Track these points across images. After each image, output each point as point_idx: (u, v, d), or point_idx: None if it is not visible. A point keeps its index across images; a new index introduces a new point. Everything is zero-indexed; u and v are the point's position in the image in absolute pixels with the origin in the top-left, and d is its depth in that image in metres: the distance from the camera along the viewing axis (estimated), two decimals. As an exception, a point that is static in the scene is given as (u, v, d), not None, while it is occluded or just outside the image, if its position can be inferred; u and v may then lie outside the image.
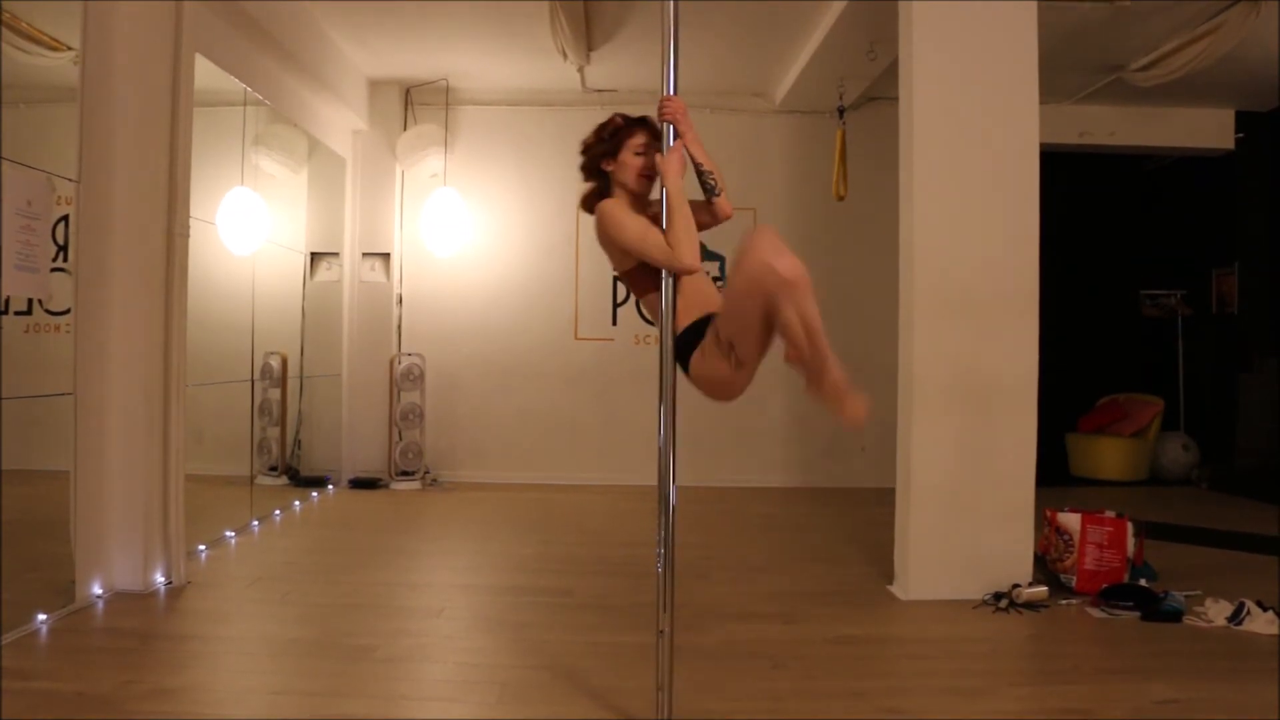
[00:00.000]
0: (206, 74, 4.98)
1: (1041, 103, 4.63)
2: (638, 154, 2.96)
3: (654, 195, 3.02)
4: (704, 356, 2.78)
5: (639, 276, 2.98)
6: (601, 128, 3.04)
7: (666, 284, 2.82)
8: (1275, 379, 7.85)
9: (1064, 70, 7.09)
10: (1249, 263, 8.65)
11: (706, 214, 3.08)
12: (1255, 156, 8.44)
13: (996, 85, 4.58)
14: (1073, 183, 8.74)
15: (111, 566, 4.31)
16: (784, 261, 2.58)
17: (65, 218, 4.07)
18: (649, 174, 2.97)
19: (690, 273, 2.84)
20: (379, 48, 7.25)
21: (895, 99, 4.87)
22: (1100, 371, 9.25)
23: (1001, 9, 4.59)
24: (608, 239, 2.96)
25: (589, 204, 3.08)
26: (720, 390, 2.85)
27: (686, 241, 2.78)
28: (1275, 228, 8.35)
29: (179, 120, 4.49)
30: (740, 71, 7.67)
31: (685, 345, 2.86)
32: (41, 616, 3.81)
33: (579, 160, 3.11)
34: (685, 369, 2.90)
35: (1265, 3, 5.71)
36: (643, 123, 3.00)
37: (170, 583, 4.45)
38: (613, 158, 3.00)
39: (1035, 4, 4.60)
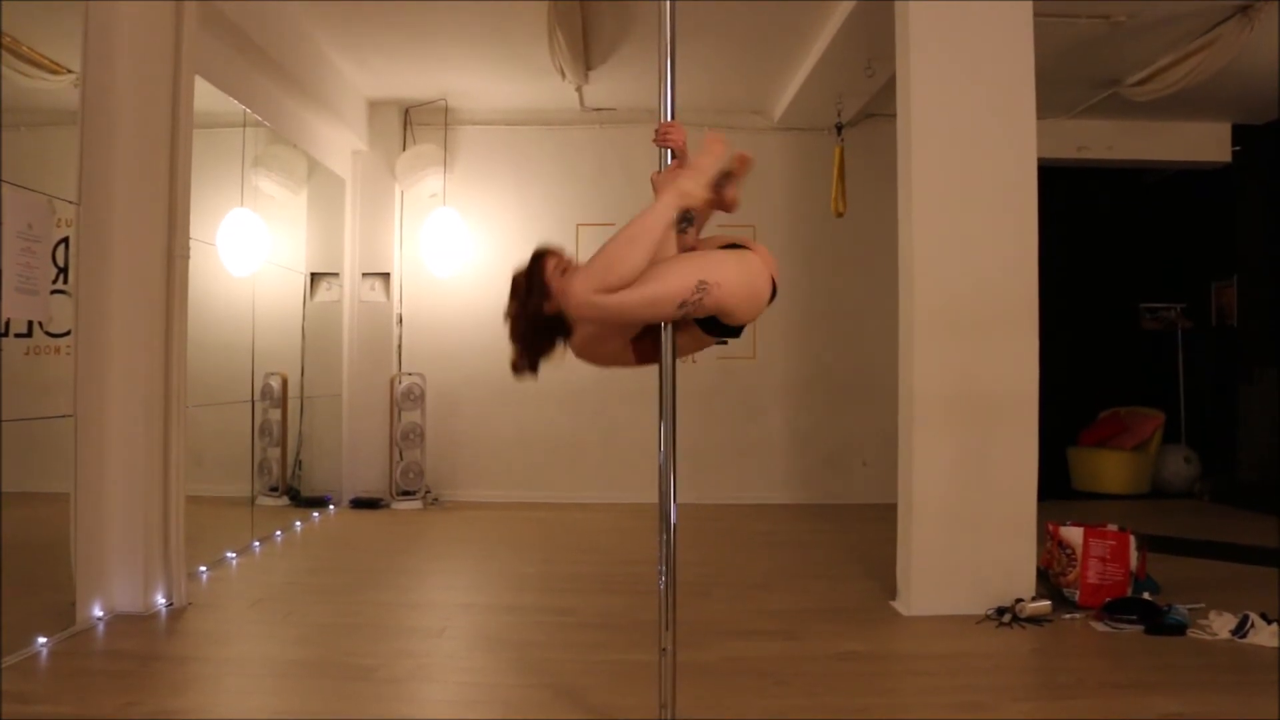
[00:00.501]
0: (206, 96, 5.00)
1: (1039, 118, 4.65)
2: (563, 272, 2.81)
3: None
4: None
5: (643, 350, 2.91)
6: (515, 290, 2.87)
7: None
8: (1276, 391, 7.85)
9: (1061, 85, 7.11)
10: (1248, 275, 8.66)
11: (680, 244, 2.92)
12: (1252, 169, 8.46)
13: (994, 101, 4.59)
14: (1071, 197, 8.76)
15: (112, 588, 4.30)
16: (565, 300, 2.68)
17: (65, 240, 4.08)
18: None
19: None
20: (378, 68, 7.28)
21: (893, 115, 4.89)
22: (1101, 385, 9.25)
23: (999, 25, 4.61)
24: (595, 358, 2.93)
25: (524, 366, 2.93)
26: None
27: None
28: (1273, 240, 8.36)
29: (179, 142, 4.50)
30: (738, 89, 7.70)
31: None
32: (41, 639, 3.80)
33: (513, 331, 2.90)
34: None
35: (1259, 18, 5.74)
36: (539, 256, 2.86)
37: (171, 604, 4.44)
38: (548, 298, 2.81)
39: (1032, 20, 4.63)
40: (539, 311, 2.83)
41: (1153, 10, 5.87)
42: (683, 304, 2.61)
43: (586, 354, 2.89)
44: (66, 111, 4.14)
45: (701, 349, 2.94)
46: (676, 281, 2.60)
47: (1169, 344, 9.36)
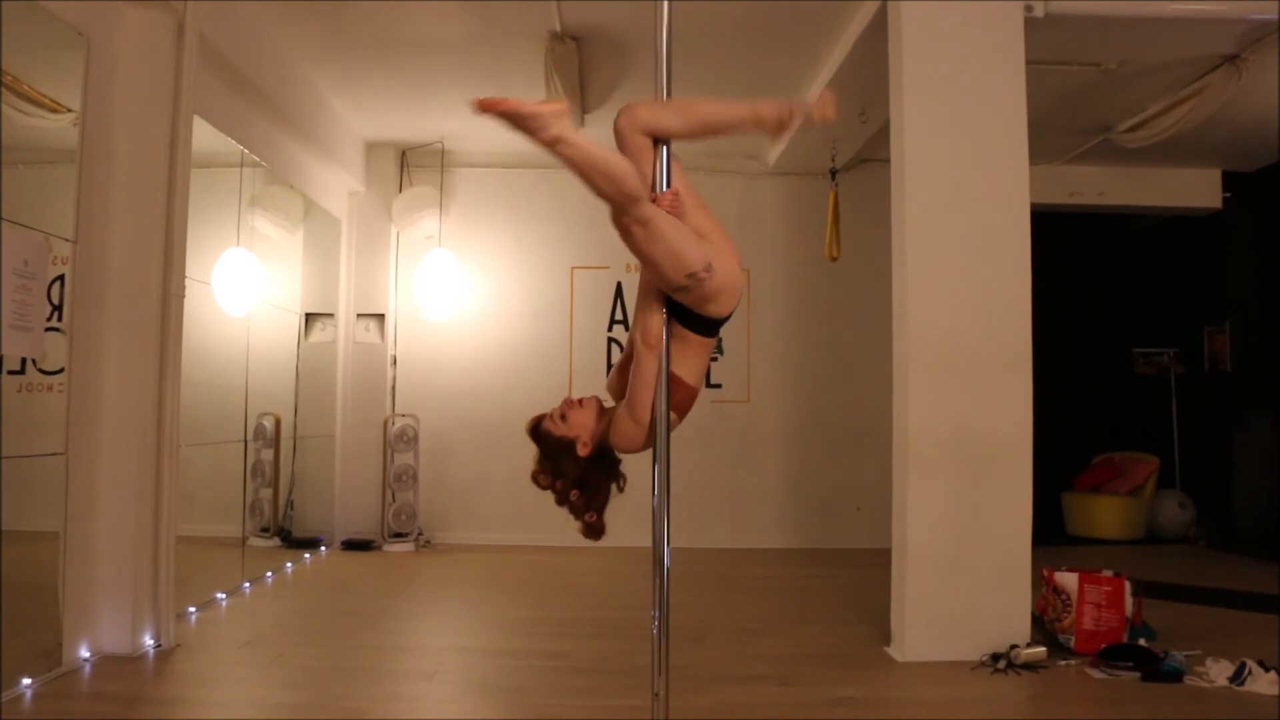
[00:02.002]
0: (204, 136, 5.02)
1: (1032, 164, 4.69)
2: (563, 417, 2.76)
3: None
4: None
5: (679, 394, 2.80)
6: (546, 477, 2.80)
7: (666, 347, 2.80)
8: (1270, 436, 7.85)
9: (1053, 132, 7.17)
10: (1240, 320, 8.70)
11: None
12: (1243, 216, 8.52)
13: (987, 147, 4.63)
14: (1064, 242, 8.81)
15: (99, 629, 4.27)
16: None
17: (61, 277, 4.08)
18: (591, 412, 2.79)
19: None
20: (375, 110, 7.33)
21: (887, 161, 4.92)
22: (1095, 430, 9.25)
23: (991, 72, 4.66)
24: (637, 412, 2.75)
25: (599, 527, 2.84)
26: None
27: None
28: (1264, 286, 8.41)
29: (176, 181, 4.52)
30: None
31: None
32: (26, 680, 3.76)
33: (579, 508, 2.80)
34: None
35: (1246, 67, 5.80)
36: (535, 427, 2.81)
37: (159, 645, 4.40)
38: (578, 443, 2.75)
39: (1024, 67, 4.67)
40: (579, 463, 2.77)
41: (1143, 59, 5.93)
42: (691, 274, 2.59)
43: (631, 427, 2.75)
44: (65, 150, 4.16)
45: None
46: (697, 253, 2.60)
47: (1162, 389, 9.37)
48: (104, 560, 4.28)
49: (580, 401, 2.79)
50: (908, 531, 4.53)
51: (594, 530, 2.83)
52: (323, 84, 6.75)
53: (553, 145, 2.45)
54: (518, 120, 2.45)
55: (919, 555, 4.51)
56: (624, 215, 2.53)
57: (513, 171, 8.34)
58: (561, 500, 2.81)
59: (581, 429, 2.77)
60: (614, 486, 2.84)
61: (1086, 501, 8.64)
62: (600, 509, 2.82)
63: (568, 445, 2.76)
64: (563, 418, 2.77)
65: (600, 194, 2.52)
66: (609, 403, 2.85)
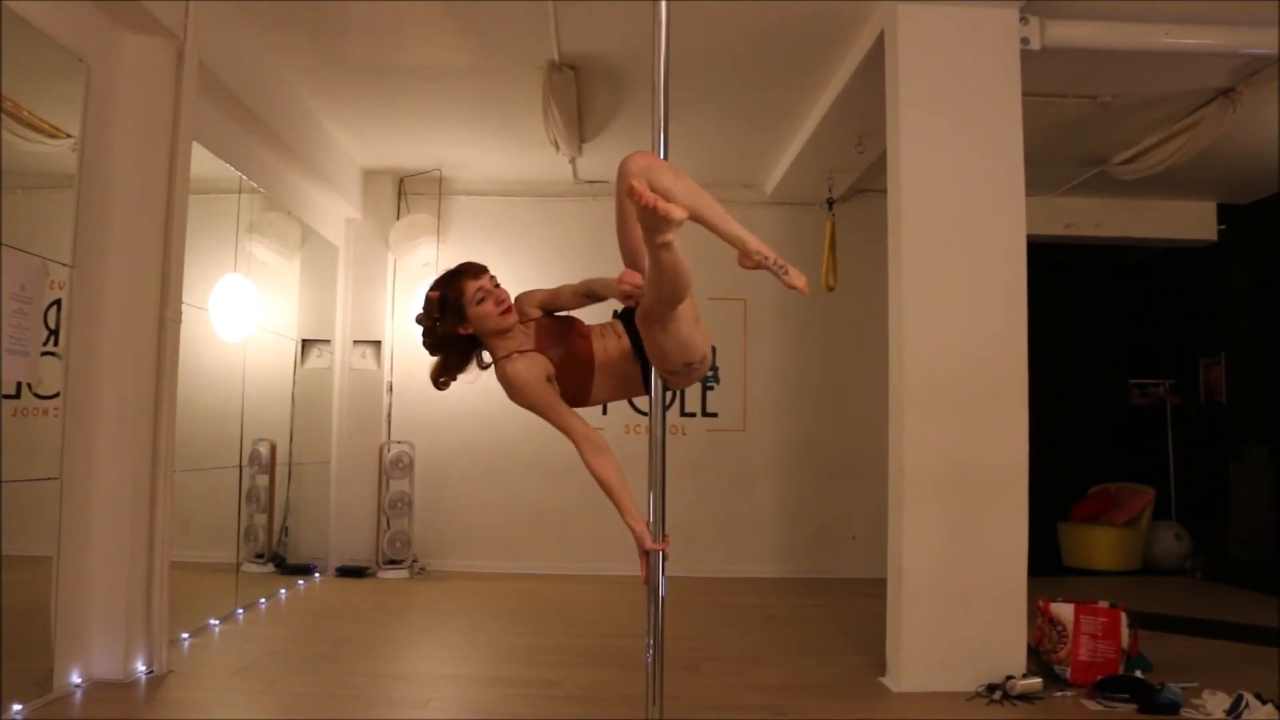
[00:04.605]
0: (203, 162, 5.04)
1: (1028, 195, 4.71)
2: (480, 301, 2.76)
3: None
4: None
5: (573, 383, 2.91)
6: (429, 307, 2.82)
7: (656, 381, 2.83)
8: (1266, 467, 7.85)
9: (1050, 164, 7.21)
10: (1235, 352, 8.72)
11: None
12: (1238, 248, 8.56)
13: (984, 178, 4.66)
14: (1060, 273, 8.83)
15: (92, 655, 4.24)
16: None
17: (57, 302, 4.08)
18: (505, 307, 2.81)
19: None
20: (373, 138, 7.36)
21: (884, 191, 4.94)
22: (1091, 461, 9.25)
23: (988, 104, 4.69)
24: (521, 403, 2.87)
25: (440, 377, 2.95)
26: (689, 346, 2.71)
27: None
28: (1259, 317, 8.44)
29: (174, 207, 4.54)
30: (731, 163, 7.79)
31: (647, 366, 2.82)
32: (17, 707, 3.73)
33: (425, 342, 2.91)
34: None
35: (1241, 101, 5.85)
36: (459, 273, 2.84)
37: (152, 671, 4.37)
38: (464, 322, 2.79)
39: (1021, 99, 4.71)
40: (453, 333, 2.82)
41: (1138, 91, 5.98)
42: (688, 363, 2.69)
43: (520, 395, 2.85)
44: (64, 175, 4.17)
45: (620, 395, 3.01)
46: (702, 344, 2.71)
47: (1158, 420, 9.37)
48: (97, 586, 4.26)
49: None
50: (903, 561, 4.52)
51: (435, 383, 2.97)
52: (321, 111, 6.78)
53: (664, 246, 2.38)
54: (653, 216, 2.32)
55: (915, 585, 4.50)
56: (664, 314, 2.56)
57: (509, 200, 8.37)
58: (424, 340, 2.89)
59: (485, 319, 2.78)
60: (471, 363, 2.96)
61: (1082, 532, 8.63)
62: (449, 372, 2.95)
63: (460, 314, 2.78)
64: (499, 304, 2.79)
65: (663, 296, 2.53)
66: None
